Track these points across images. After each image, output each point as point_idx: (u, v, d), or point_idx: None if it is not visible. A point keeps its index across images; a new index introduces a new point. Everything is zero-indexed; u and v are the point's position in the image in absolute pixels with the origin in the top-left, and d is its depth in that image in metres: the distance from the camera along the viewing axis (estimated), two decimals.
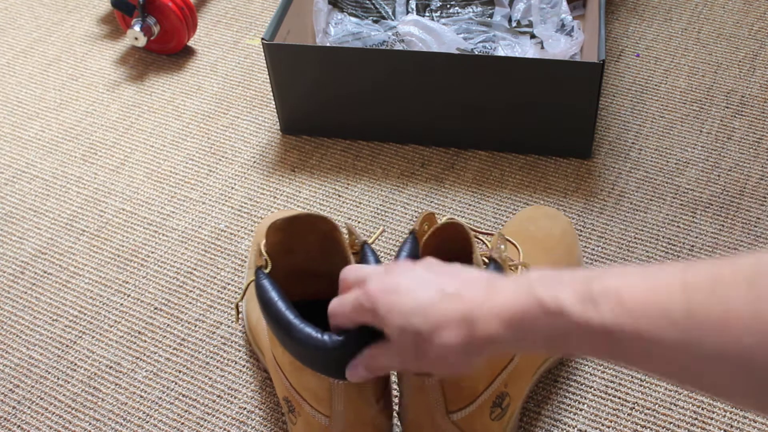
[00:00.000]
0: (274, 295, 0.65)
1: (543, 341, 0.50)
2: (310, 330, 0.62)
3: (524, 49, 1.07)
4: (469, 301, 0.52)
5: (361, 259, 0.68)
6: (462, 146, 1.02)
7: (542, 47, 1.07)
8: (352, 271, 0.61)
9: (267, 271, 0.67)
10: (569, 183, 0.97)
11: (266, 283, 0.66)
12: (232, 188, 1.01)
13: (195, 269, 0.92)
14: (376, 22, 1.12)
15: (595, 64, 0.90)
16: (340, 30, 1.11)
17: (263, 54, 0.98)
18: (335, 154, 1.03)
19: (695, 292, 0.42)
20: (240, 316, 0.83)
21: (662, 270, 0.45)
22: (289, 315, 0.63)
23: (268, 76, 1.14)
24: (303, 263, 0.72)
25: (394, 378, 0.79)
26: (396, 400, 0.78)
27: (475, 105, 0.98)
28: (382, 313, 0.55)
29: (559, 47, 1.06)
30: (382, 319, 0.55)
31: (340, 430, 0.67)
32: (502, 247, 0.68)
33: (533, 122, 0.98)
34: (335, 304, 0.61)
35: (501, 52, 1.05)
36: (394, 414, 0.75)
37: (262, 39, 0.96)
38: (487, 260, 0.70)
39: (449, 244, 0.68)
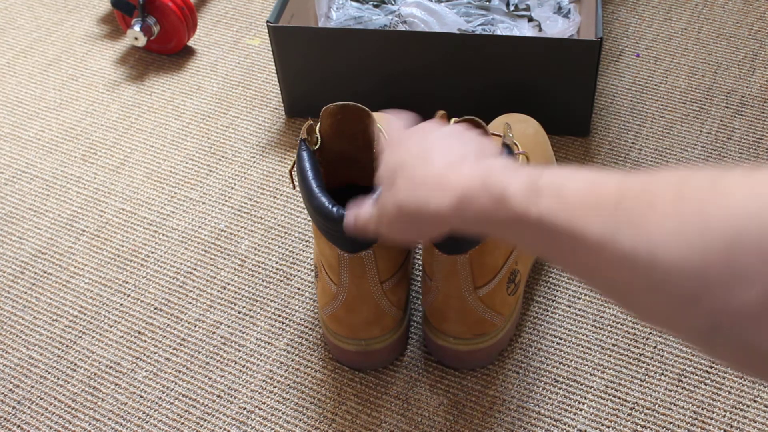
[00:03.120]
0: (307, 165, 0.73)
1: (487, 225, 0.52)
2: (324, 200, 0.70)
3: (522, 31, 1.08)
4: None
5: None
6: None
7: (540, 30, 1.09)
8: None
9: (315, 148, 0.75)
10: None
11: (305, 153, 0.74)
12: (232, 188, 1.00)
13: (195, 269, 0.92)
14: (377, 6, 1.13)
15: (593, 41, 0.93)
16: (341, 14, 1.13)
17: (268, 38, 1.00)
18: None
19: (627, 191, 0.44)
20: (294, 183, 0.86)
21: (607, 173, 0.47)
22: (313, 184, 0.72)
23: (267, 75, 1.14)
24: (349, 149, 0.79)
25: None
26: (412, 310, 0.78)
27: (476, 84, 0.99)
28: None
29: (557, 28, 1.08)
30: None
31: (344, 299, 0.76)
32: (511, 135, 0.77)
33: (533, 101, 0.99)
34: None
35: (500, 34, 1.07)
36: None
37: (267, 21, 0.98)
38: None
39: None
